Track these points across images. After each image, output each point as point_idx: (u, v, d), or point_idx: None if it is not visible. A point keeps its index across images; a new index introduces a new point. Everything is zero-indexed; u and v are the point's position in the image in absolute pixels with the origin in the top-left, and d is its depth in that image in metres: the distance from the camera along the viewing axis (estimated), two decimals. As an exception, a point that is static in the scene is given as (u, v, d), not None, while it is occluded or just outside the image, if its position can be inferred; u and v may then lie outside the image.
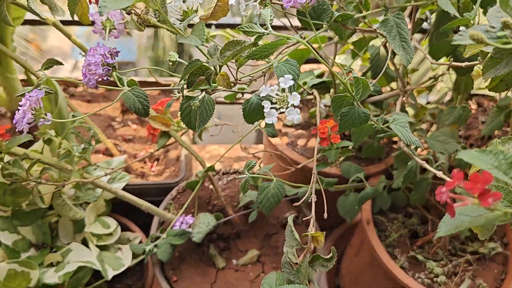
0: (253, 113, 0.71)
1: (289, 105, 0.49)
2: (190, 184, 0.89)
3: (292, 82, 0.49)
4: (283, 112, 0.49)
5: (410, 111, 1.07)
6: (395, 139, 1.09)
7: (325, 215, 0.64)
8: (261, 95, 0.50)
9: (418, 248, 0.96)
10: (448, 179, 0.67)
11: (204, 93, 0.56)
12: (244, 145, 0.99)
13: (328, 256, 0.58)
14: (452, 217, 0.34)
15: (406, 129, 0.66)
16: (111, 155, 1.08)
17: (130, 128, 1.16)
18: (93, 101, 1.17)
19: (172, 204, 0.92)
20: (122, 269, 0.81)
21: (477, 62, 0.57)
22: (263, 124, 0.90)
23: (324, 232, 0.58)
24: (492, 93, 1.25)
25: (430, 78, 0.71)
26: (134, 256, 0.85)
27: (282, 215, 0.96)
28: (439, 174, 0.67)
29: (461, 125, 0.91)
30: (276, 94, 0.50)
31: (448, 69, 0.91)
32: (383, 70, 0.75)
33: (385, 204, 0.97)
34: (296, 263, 0.60)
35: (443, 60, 0.80)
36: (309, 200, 0.65)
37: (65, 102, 0.81)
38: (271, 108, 0.49)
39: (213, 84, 0.56)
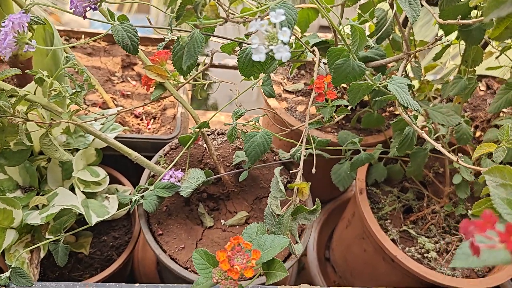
0: (248, 64, 0.69)
1: (278, 42, 0.46)
2: (182, 139, 0.88)
3: (283, 18, 0.47)
4: (271, 50, 0.47)
5: (415, 84, 1.04)
6: (397, 111, 1.06)
7: (313, 170, 0.62)
8: (249, 30, 0.47)
9: (411, 223, 0.94)
10: (447, 154, 0.64)
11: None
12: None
13: (312, 208, 0.56)
14: (474, 255, 0.33)
15: (405, 90, 0.63)
16: (108, 109, 1.06)
17: (129, 84, 1.15)
18: (94, 55, 1.15)
19: (162, 158, 0.90)
20: (107, 216, 0.79)
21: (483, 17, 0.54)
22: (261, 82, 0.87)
23: (310, 183, 0.56)
24: (501, 75, 1.21)
25: (436, 40, 0.68)
26: (121, 207, 0.84)
27: (275, 179, 0.94)
28: (437, 146, 0.64)
29: (466, 98, 0.88)
30: (266, 30, 0.47)
31: (458, 40, 0.88)
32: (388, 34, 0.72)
33: (380, 176, 0.95)
34: (279, 215, 0.58)
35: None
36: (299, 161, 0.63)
37: (60, 43, 0.79)
38: (260, 44, 0.47)
39: (203, 20, 0.53)
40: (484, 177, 0.49)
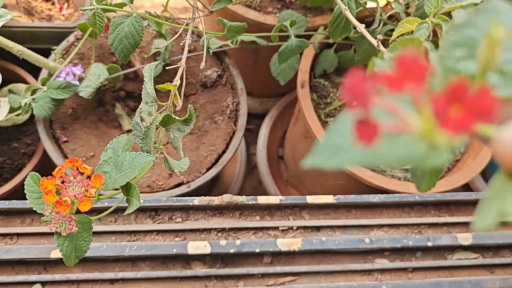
0: None
1: None
2: (82, 26, 0.72)
3: None
4: None
5: None
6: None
7: (202, 65, 0.47)
8: None
9: (364, 120, 0.81)
10: (370, 38, 0.49)
11: None
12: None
13: (183, 118, 0.43)
14: (364, 145, 0.16)
15: None
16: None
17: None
18: None
19: (59, 51, 0.75)
20: (-10, 124, 0.68)
21: None
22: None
23: (178, 84, 0.43)
24: None
25: None
26: (13, 110, 0.71)
27: (203, 73, 0.80)
28: (359, 26, 0.49)
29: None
30: None
31: None
32: None
33: (330, 66, 0.80)
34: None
35: None
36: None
37: None
38: None
39: None
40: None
